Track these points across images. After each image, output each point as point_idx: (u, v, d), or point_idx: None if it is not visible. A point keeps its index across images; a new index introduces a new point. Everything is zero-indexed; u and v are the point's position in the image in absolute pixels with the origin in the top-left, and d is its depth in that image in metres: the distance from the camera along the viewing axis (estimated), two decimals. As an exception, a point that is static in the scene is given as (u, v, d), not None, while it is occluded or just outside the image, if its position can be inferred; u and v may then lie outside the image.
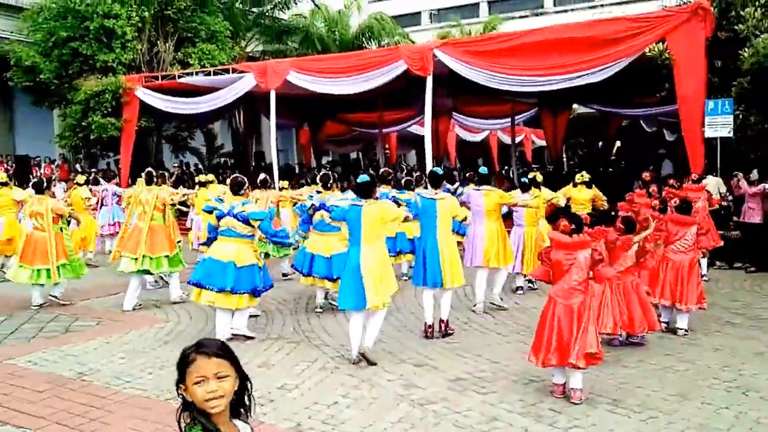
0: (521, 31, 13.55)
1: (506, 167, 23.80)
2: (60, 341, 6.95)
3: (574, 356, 4.91)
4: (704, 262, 9.88)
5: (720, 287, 9.60)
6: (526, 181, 9.25)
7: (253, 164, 20.72)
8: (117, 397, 5.28)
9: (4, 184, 10.40)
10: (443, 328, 7.03)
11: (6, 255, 10.61)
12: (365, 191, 6.23)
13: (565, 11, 33.68)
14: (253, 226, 6.87)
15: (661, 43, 11.19)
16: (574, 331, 4.95)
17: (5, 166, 19.15)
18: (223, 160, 23.10)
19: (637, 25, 11.55)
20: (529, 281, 9.24)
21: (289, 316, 8.04)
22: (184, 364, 2.04)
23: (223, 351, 2.05)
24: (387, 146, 22.73)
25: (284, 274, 10.30)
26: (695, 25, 11.07)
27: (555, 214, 5.57)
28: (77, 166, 20.01)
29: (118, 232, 13.08)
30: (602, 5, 33.56)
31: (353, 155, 27.57)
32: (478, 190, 8.29)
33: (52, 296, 8.64)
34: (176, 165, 19.41)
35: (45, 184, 8.90)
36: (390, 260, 6.51)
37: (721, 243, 10.10)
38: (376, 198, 6.45)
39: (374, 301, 5.95)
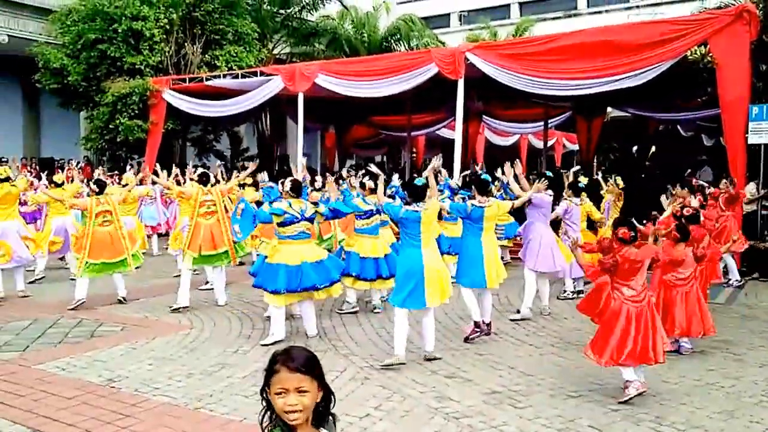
0: (557, 34, 13.30)
1: (534, 172, 23.39)
2: (86, 347, 6.90)
3: (653, 354, 5.11)
4: (732, 264, 9.96)
5: (760, 300, 9.31)
6: (582, 185, 9.38)
7: (277, 167, 20.60)
8: (146, 404, 5.21)
9: (60, 185, 10.46)
10: (487, 329, 7.12)
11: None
12: (420, 194, 6.33)
13: (599, 13, 33.08)
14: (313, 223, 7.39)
15: (703, 47, 10.88)
16: (650, 332, 5.12)
17: (29, 168, 19.28)
18: (247, 163, 22.99)
19: (679, 27, 11.29)
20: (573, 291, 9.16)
21: (316, 322, 7.77)
22: (269, 371, 2.08)
23: (307, 367, 2.08)
24: (414, 150, 22.49)
25: None
26: (739, 28, 10.71)
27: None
28: (100, 167, 20.06)
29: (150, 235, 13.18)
30: (637, 6, 33.00)
31: (377, 159, 27.37)
32: (549, 195, 8.41)
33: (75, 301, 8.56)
34: (194, 169, 19.29)
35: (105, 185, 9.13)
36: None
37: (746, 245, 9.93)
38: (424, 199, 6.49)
39: (434, 301, 6.14)
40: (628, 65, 11.52)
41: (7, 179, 9.52)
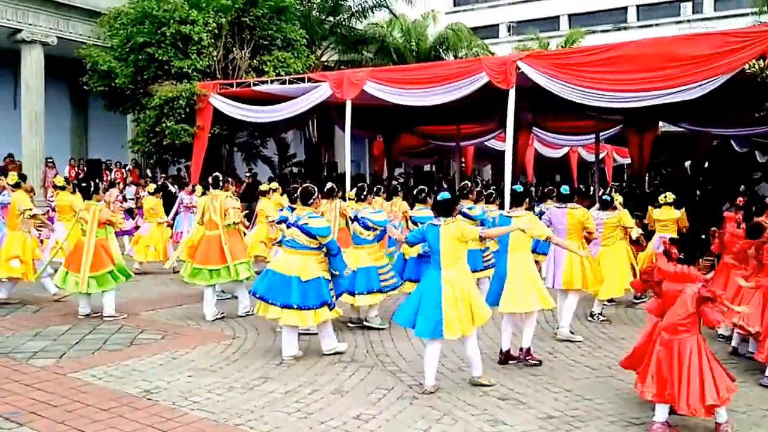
0: (611, 44, 12.91)
1: (583, 186, 23.08)
2: (124, 355, 6.71)
3: (685, 404, 4.55)
4: None
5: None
6: (608, 198, 8.84)
7: (325, 174, 20.49)
8: (184, 419, 5.00)
9: (62, 188, 10.25)
10: (523, 357, 6.63)
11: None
12: (446, 209, 5.77)
13: (650, 26, 32.44)
14: (317, 239, 6.55)
15: (761, 60, 10.41)
16: (676, 372, 4.64)
17: (77, 170, 19.46)
18: (294, 169, 22.97)
19: (736, 39, 10.82)
20: (595, 314, 8.71)
21: (360, 336, 7.65)
22: None
23: None
24: (463, 160, 22.17)
25: None
26: (799, 41, 10.20)
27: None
28: (147, 171, 20.17)
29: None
30: (689, 21, 32.34)
31: (426, 167, 27.18)
32: (562, 207, 7.86)
33: (107, 316, 8.27)
34: (248, 174, 19.27)
35: (92, 189, 8.44)
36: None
37: None
38: (455, 216, 5.94)
39: (452, 332, 5.55)
40: (684, 78, 11.12)
41: (63, 188, 9.43)
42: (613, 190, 9.81)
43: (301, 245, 6.55)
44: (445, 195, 5.90)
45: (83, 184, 8.60)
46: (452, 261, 5.67)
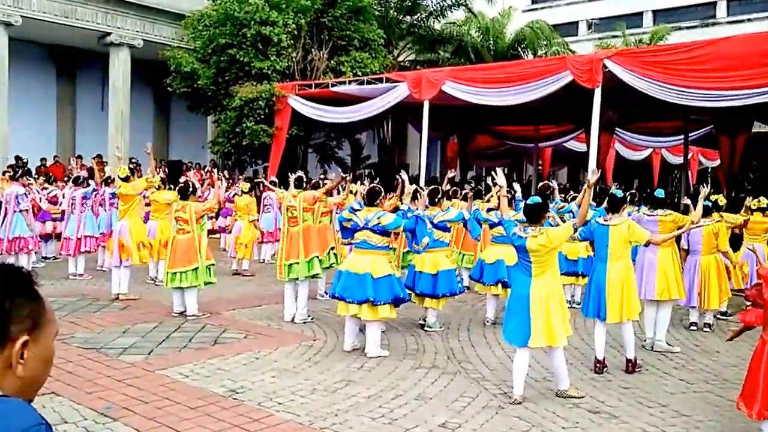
0: (704, 41, 12.33)
1: (669, 189, 22.37)
2: (209, 353, 6.77)
3: None
4: None
5: None
6: (709, 204, 8.33)
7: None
8: (270, 420, 4.98)
9: (125, 179, 10.45)
10: (630, 368, 6.52)
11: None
12: (534, 215, 5.53)
13: (740, 21, 30.79)
14: (389, 236, 6.87)
15: None
16: None
17: (160, 170, 19.95)
18: (367, 171, 22.98)
19: None
20: (706, 324, 8.43)
21: (440, 341, 7.55)
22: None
23: None
24: (540, 162, 21.65)
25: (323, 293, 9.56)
26: None
27: None
28: (225, 172, 20.49)
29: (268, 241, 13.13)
30: (784, 15, 30.51)
31: (500, 170, 26.63)
32: (652, 215, 7.61)
33: (190, 315, 8.35)
34: (321, 176, 19.38)
35: (190, 190, 8.69)
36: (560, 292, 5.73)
37: None
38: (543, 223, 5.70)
39: (539, 341, 5.41)
40: None
41: (127, 178, 9.62)
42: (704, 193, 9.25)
43: (373, 245, 6.78)
44: (535, 199, 5.68)
45: (181, 186, 8.81)
46: (542, 269, 5.46)
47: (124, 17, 19.18)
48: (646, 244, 6.53)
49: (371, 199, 6.96)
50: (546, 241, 5.36)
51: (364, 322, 6.89)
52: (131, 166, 19.09)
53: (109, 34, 19.00)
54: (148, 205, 11.32)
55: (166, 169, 20.11)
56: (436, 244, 7.82)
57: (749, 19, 30.88)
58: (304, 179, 9.06)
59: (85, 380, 5.73)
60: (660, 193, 8.03)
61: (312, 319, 8.34)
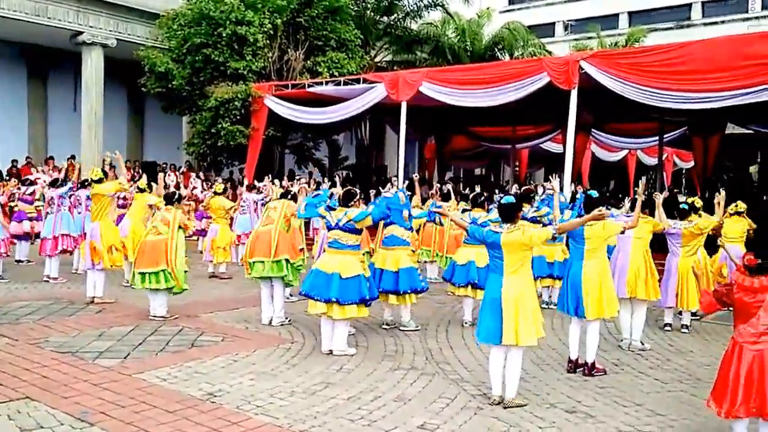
0: (679, 43, 12.53)
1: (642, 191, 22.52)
2: (186, 356, 6.71)
3: None
4: None
5: None
6: (686, 207, 8.57)
7: (375, 177, 20.35)
8: (248, 423, 4.96)
9: (98, 181, 10.36)
10: (587, 371, 6.49)
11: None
12: (509, 214, 5.55)
13: (715, 23, 31.25)
14: (359, 234, 6.99)
15: None
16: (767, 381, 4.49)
17: (132, 172, 19.69)
18: (345, 172, 22.94)
19: None
20: (684, 325, 8.56)
21: (418, 342, 7.57)
22: None
23: None
24: (517, 163, 21.78)
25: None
26: None
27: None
28: (200, 173, 20.32)
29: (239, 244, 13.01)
30: (757, 17, 31.09)
31: (477, 171, 26.83)
32: (629, 216, 7.67)
33: (157, 316, 8.26)
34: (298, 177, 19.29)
35: (176, 197, 8.67)
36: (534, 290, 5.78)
37: None
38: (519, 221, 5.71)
39: (510, 338, 5.39)
40: (758, 78, 10.70)
41: (100, 180, 9.46)
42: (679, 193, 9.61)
43: (344, 245, 6.91)
44: (509, 199, 5.71)
45: (168, 193, 8.82)
46: (515, 267, 5.47)
47: (97, 16, 18.90)
48: (623, 231, 6.62)
49: (347, 200, 7.09)
50: (521, 237, 5.39)
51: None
52: (105, 168, 18.86)
53: (81, 33, 18.72)
54: (122, 207, 11.19)
55: (140, 170, 19.91)
56: (398, 242, 7.99)
57: (723, 21, 31.40)
58: (288, 189, 9.08)
59: (60, 385, 5.63)
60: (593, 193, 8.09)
61: (289, 321, 8.29)
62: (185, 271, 8.46)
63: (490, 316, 5.47)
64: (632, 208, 7.49)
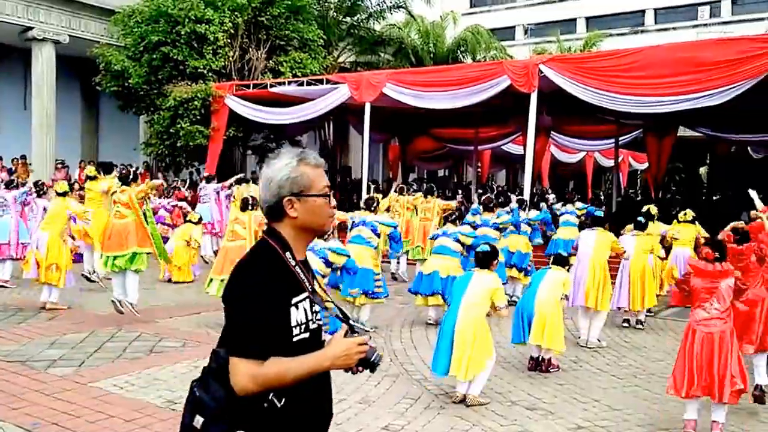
0: (636, 48, 12.93)
1: (598, 191, 23.18)
2: (145, 363, 6.52)
3: (718, 391, 4.81)
4: None
5: None
6: (642, 220, 8.99)
7: (339, 179, 20.24)
8: None
9: (93, 178, 10.10)
10: (543, 367, 6.75)
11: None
12: (484, 262, 5.85)
13: (667, 29, 32.19)
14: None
15: None
16: (716, 362, 4.87)
17: (87, 172, 19.18)
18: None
19: (762, 45, 10.82)
20: (638, 321, 8.92)
21: (382, 343, 7.57)
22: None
23: None
24: (479, 164, 21.98)
25: None
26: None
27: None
28: (159, 174, 19.90)
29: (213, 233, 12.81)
30: (706, 24, 32.12)
31: (440, 172, 26.95)
32: (592, 230, 8.32)
33: (130, 302, 8.18)
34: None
35: (131, 177, 8.67)
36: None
37: None
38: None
39: (457, 371, 5.56)
40: (710, 83, 11.10)
41: (65, 194, 9.22)
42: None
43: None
44: (485, 248, 6.00)
45: (123, 173, 8.87)
46: (472, 307, 5.67)
47: (48, 11, 18.29)
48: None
49: (369, 205, 7.91)
50: (483, 289, 5.68)
51: None
52: (58, 165, 18.38)
53: (31, 28, 18.06)
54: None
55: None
56: (363, 242, 8.12)
57: (675, 28, 32.32)
58: (250, 202, 8.70)
59: (9, 395, 5.40)
60: (599, 213, 8.67)
61: None
62: (148, 252, 8.37)
63: (442, 347, 5.66)
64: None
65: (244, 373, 1.92)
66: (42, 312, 8.62)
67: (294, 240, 2.07)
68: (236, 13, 16.59)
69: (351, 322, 2.09)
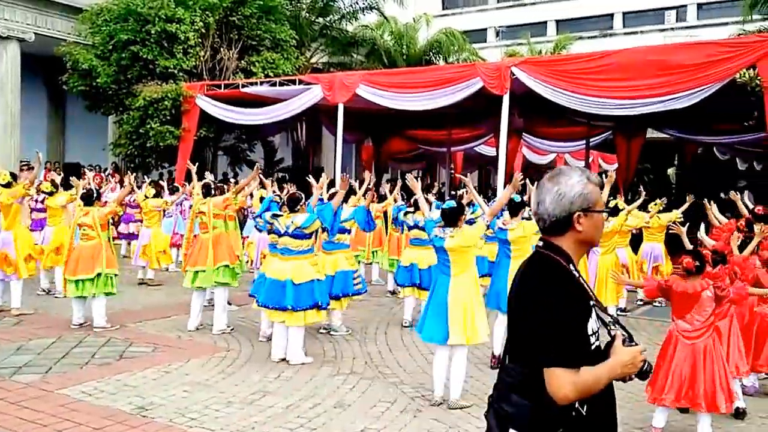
0: (606, 51, 12.91)
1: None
2: (114, 369, 6.41)
3: (710, 401, 4.78)
4: None
5: None
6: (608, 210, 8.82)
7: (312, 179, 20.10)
8: None
9: (50, 194, 9.84)
10: (493, 363, 6.77)
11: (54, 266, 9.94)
12: (451, 218, 5.73)
13: (635, 33, 32.76)
14: (310, 239, 6.92)
15: (751, 69, 10.42)
16: (701, 373, 4.82)
17: (53, 173, 18.81)
18: (281, 174, 22.62)
19: (728, 49, 10.90)
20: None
21: (357, 347, 7.55)
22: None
23: None
24: (452, 165, 22.06)
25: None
26: (790, 52, 10.27)
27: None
28: (132, 175, 19.56)
29: (179, 245, 12.57)
30: (672, 29, 32.74)
31: (414, 173, 26.99)
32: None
33: (97, 327, 7.91)
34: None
35: (94, 196, 8.41)
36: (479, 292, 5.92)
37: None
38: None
39: (458, 338, 5.51)
40: (677, 86, 11.17)
41: (8, 185, 8.87)
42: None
43: (294, 251, 6.80)
44: (450, 204, 5.93)
45: (84, 193, 8.42)
46: (461, 269, 5.65)
47: (13, 8, 17.85)
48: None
49: (292, 205, 6.95)
50: (462, 240, 5.59)
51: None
52: (23, 167, 17.91)
53: (-5, 25, 17.71)
54: (42, 210, 10.63)
55: (61, 172, 19.01)
56: (336, 246, 8.02)
57: (642, 31, 32.91)
58: (212, 186, 8.77)
59: (-28, 404, 5.27)
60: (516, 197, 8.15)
61: (231, 329, 8.04)
62: (115, 275, 8.10)
63: (435, 317, 5.57)
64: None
65: (567, 382, 2.01)
66: (6, 317, 8.41)
67: (573, 253, 2.19)
68: (207, 12, 16.42)
69: (628, 330, 2.19)
